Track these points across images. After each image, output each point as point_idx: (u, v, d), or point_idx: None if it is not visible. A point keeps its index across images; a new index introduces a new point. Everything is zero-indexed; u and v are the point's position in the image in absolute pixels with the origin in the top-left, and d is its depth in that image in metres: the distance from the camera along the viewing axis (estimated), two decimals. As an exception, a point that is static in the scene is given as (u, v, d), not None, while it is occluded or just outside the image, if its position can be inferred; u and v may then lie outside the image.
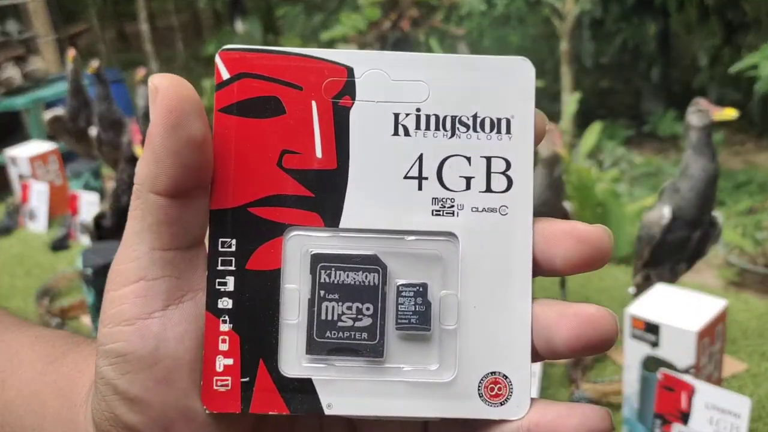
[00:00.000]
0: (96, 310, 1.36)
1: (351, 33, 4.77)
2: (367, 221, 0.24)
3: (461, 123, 0.25)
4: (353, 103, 0.24)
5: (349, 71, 0.24)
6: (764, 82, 3.11)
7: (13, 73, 3.25)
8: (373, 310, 0.24)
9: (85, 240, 1.86)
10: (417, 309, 0.24)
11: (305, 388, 0.24)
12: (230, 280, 0.24)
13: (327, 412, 0.24)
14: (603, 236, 0.24)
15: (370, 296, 0.24)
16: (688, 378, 0.91)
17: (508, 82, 0.25)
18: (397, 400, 0.24)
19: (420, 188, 0.25)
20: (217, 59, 0.24)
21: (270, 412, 0.24)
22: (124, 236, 0.24)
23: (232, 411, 0.24)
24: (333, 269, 0.24)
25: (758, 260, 2.91)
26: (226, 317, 0.24)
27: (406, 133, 0.25)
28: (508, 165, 0.25)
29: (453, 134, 0.25)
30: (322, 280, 0.24)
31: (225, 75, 0.24)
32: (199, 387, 0.24)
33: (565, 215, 1.25)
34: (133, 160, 1.44)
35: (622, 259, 1.98)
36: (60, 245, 1.88)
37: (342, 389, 0.24)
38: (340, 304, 0.24)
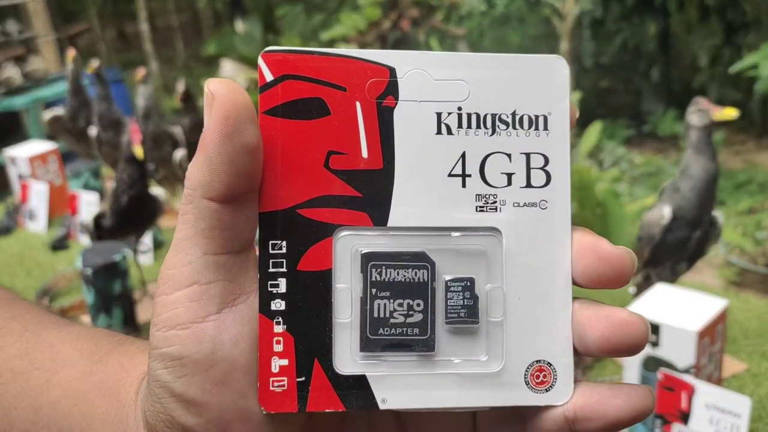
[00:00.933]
0: (96, 309, 1.36)
1: (351, 33, 4.76)
2: (414, 219, 0.25)
3: (501, 120, 0.25)
4: (397, 103, 0.25)
5: (392, 71, 0.25)
6: (764, 82, 3.11)
7: (12, 72, 3.24)
8: (423, 305, 0.25)
9: (84, 240, 1.86)
10: (465, 303, 0.25)
11: (360, 384, 0.24)
12: (282, 282, 0.24)
13: (382, 407, 0.24)
14: (626, 258, 0.25)
15: (420, 292, 0.25)
16: (688, 378, 0.91)
17: (544, 80, 0.26)
18: (449, 391, 0.25)
19: (464, 185, 0.25)
20: (260, 61, 0.24)
21: (326, 410, 0.24)
22: (175, 240, 0.24)
23: (289, 411, 0.24)
24: (383, 267, 0.25)
25: (758, 260, 2.91)
26: (280, 318, 0.24)
27: (449, 131, 0.25)
28: (546, 160, 0.25)
29: (494, 132, 0.25)
30: (373, 279, 0.25)
31: (269, 77, 0.24)
32: (255, 388, 0.24)
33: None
34: (132, 159, 1.44)
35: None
36: (60, 245, 1.88)
37: (395, 384, 0.24)
38: (391, 301, 0.25)
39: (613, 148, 4.30)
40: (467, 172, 0.25)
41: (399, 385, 0.25)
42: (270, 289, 0.24)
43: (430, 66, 0.25)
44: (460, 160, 0.25)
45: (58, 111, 2.13)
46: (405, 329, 0.25)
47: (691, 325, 0.94)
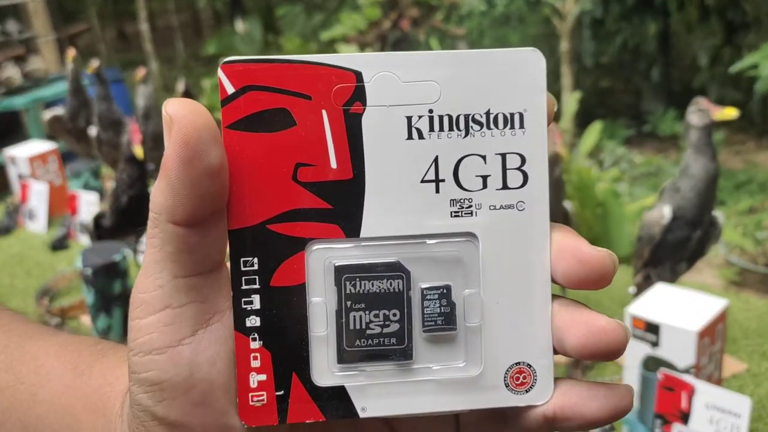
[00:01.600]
0: (95, 309, 1.36)
1: (351, 33, 4.76)
2: (387, 229, 0.24)
3: (474, 121, 0.24)
4: (365, 109, 0.24)
5: (358, 76, 0.24)
6: (764, 82, 3.11)
7: (12, 72, 3.24)
8: (399, 315, 0.24)
9: (84, 240, 1.86)
10: (442, 310, 0.24)
11: (339, 395, 0.24)
12: (256, 299, 0.24)
13: (362, 415, 0.24)
14: (606, 260, 0.25)
15: (396, 302, 0.24)
16: (688, 378, 0.91)
17: (519, 75, 0.24)
18: (428, 396, 0.25)
19: (437, 191, 0.24)
20: (220, 73, 0.24)
21: (307, 421, 0.25)
22: (144, 264, 0.24)
23: (270, 423, 0.24)
24: (357, 279, 0.24)
25: (758, 260, 2.91)
26: (256, 335, 0.24)
27: (420, 136, 0.24)
28: (523, 160, 0.25)
29: (467, 133, 0.24)
30: (347, 291, 0.24)
31: (230, 89, 0.23)
32: (235, 405, 0.24)
33: (565, 215, 1.25)
34: (132, 159, 1.44)
35: (622, 259, 1.98)
36: (59, 245, 1.88)
37: (375, 393, 0.24)
38: (367, 312, 0.24)
39: (613, 147, 4.30)
40: (441, 177, 0.24)
41: (378, 394, 0.25)
42: (244, 306, 0.24)
43: (398, 68, 0.24)
44: (433, 164, 0.24)
45: (58, 111, 2.13)
46: (382, 339, 0.24)
47: (691, 325, 0.94)
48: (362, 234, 0.24)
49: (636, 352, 0.99)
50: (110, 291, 1.36)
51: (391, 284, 0.24)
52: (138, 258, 1.57)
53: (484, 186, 0.24)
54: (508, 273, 0.25)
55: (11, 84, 3.25)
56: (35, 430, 0.29)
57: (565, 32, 4.45)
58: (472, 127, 0.24)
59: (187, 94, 1.72)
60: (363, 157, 0.24)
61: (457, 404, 0.25)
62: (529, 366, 0.25)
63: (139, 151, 1.43)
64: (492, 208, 0.25)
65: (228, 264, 0.25)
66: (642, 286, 1.23)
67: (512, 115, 0.24)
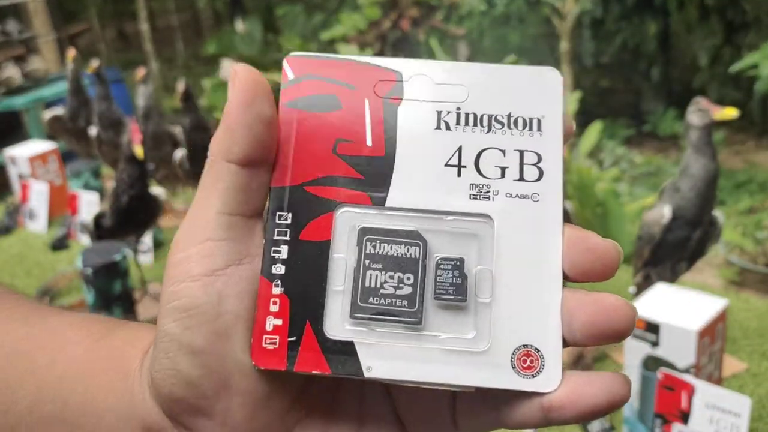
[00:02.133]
0: (96, 309, 1.36)
1: (351, 33, 4.76)
2: (410, 202, 0.26)
3: (497, 120, 0.27)
4: (401, 101, 0.27)
5: (398, 75, 0.27)
6: (764, 82, 3.11)
7: (13, 72, 3.24)
8: (413, 280, 0.26)
9: (84, 239, 1.86)
10: (454, 281, 0.26)
11: (347, 350, 0.25)
12: (284, 249, 0.26)
13: (366, 375, 0.25)
14: (612, 250, 0.26)
15: (411, 267, 0.26)
16: (688, 377, 0.91)
17: (538, 87, 0.27)
18: (434, 365, 0.25)
19: (459, 175, 0.27)
20: (285, 63, 0.28)
21: (313, 372, 0.25)
22: (194, 202, 0.26)
23: (277, 368, 0.25)
24: (378, 241, 0.26)
25: (758, 260, 2.91)
26: (279, 282, 0.26)
27: (447, 127, 0.27)
28: (540, 158, 0.27)
29: (489, 130, 0.27)
30: (367, 251, 0.26)
31: (291, 75, 0.27)
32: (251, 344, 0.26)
33: (565, 215, 1.25)
34: (133, 159, 1.44)
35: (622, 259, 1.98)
36: (60, 245, 1.88)
37: (381, 353, 0.25)
38: (383, 273, 0.26)
39: (613, 147, 4.30)
40: (463, 164, 0.27)
41: (385, 355, 0.25)
42: (272, 254, 0.26)
43: (432, 71, 0.27)
44: (457, 152, 0.27)
45: (58, 111, 2.13)
46: (394, 300, 0.26)
47: (691, 324, 0.94)
48: (387, 204, 0.26)
49: (636, 351, 0.99)
50: (110, 291, 1.36)
51: (408, 250, 0.26)
52: (138, 258, 1.57)
53: (502, 176, 0.27)
54: (521, 257, 0.26)
55: (11, 84, 3.24)
56: (51, 390, 0.29)
57: (565, 32, 4.45)
58: (494, 125, 0.27)
59: (187, 93, 1.71)
60: (395, 139, 0.27)
61: (463, 379, 0.25)
62: (537, 350, 0.25)
63: (139, 151, 1.42)
64: (508, 195, 0.26)
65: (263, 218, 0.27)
66: (642, 286, 1.23)
67: (531, 119, 0.27)
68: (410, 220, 0.26)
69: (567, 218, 1.39)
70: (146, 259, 1.71)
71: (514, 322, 0.25)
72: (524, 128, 0.27)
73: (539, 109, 0.27)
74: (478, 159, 0.27)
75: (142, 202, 1.48)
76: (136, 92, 1.94)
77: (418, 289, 0.26)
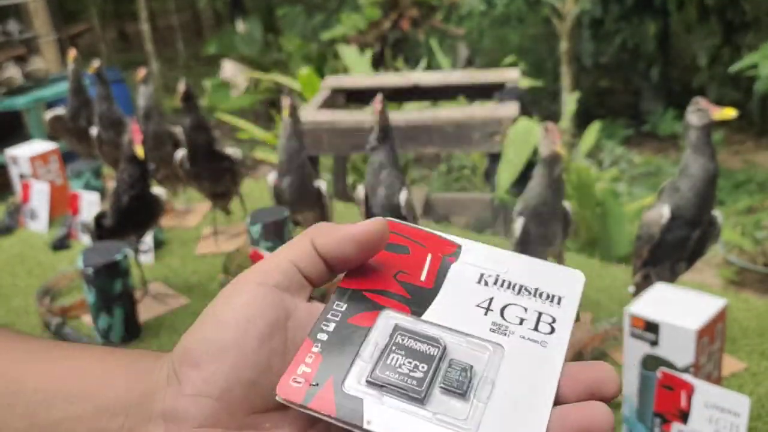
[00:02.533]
0: (96, 309, 1.36)
1: (351, 33, 4.77)
2: (441, 320, 0.32)
3: (526, 290, 0.34)
4: (455, 261, 0.35)
5: (459, 247, 0.35)
6: (764, 82, 3.12)
7: (14, 72, 3.25)
8: (427, 368, 0.31)
9: (85, 239, 1.86)
10: (459, 378, 0.31)
11: (355, 404, 0.30)
12: (332, 325, 0.32)
13: (366, 426, 0.29)
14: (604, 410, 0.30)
15: (428, 360, 0.31)
16: (687, 377, 0.91)
17: (563, 279, 0.34)
18: (426, 428, 0.29)
19: (486, 314, 0.33)
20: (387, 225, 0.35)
21: (321, 411, 0.30)
22: (276, 252, 0.34)
23: (294, 401, 0.30)
24: (407, 337, 0.32)
25: (758, 259, 2.91)
26: (319, 344, 0.32)
27: (486, 284, 0.34)
28: (554, 320, 0.33)
29: (518, 293, 0.34)
30: (396, 341, 0.32)
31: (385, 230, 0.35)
32: (263, 341, 0.31)
33: (564, 215, 1.26)
34: (133, 159, 1.44)
35: (621, 259, 1.98)
36: (61, 245, 1.88)
37: (383, 413, 0.30)
38: (403, 357, 0.31)
39: (613, 147, 4.30)
40: (491, 308, 0.33)
41: (386, 415, 0.30)
42: (321, 326, 0.32)
43: (487, 251, 0.35)
44: (488, 300, 0.33)
45: (59, 111, 2.13)
46: (406, 379, 0.30)
47: (690, 324, 0.94)
48: (423, 318, 0.33)
49: (635, 351, 0.99)
50: (111, 290, 1.36)
51: (429, 349, 0.31)
52: (139, 258, 1.57)
53: (521, 323, 0.33)
54: (521, 381, 0.31)
55: (12, 84, 3.25)
56: (62, 393, 0.32)
57: (565, 32, 4.45)
58: (522, 292, 0.34)
59: (187, 94, 1.72)
60: (443, 281, 0.34)
61: None
62: None
63: (140, 151, 1.43)
64: (522, 337, 0.32)
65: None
66: (641, 286, 1.23)
67: (553, 295, 0.34)
68: (438, 331, 0.32)
69: (566, 219, 1.37)
70: (147, 258, 1.71)
71: (501, 424, 0.29)
72: (546, 300, 0.34)
73: (561, 291, 0.34)
74: (503, 309, 0.33)
75: (143, 202, 1.48)
76: (136, 92, 1.94)
77: (429, 376, 0.31)
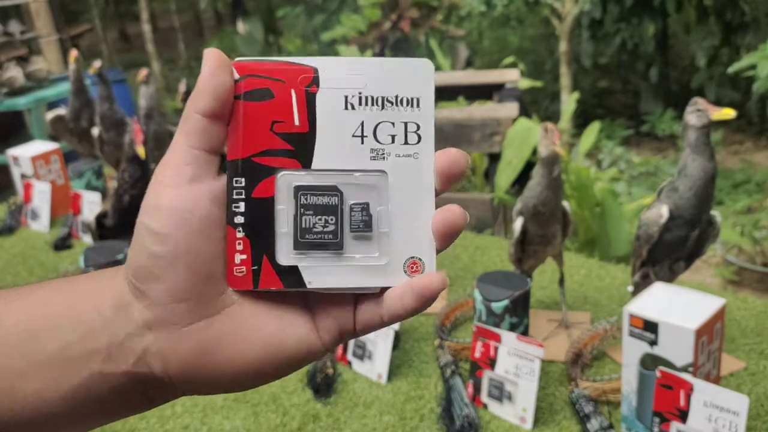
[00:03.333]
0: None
1: (351, 34, 4.77)
2: (329, 164, 0.36)
3: (388, 101, 0.37)
4: (318, 90, 0.36)
5: (315, 70, 0.36)
6: (762, 82, 3.12)
7: (15, 73, 3.25)
8: (335, 220, 0.36)
9: (87, 239, 1.87)
10: (363, 218, 0.36)
11: (293, 272, 0.36)
12: (242, 204, 0.35)
13: (309, 287, 0.36)
14: (459, 153, 0.37)
15: (333, 211, 0.36)
16: (686, 376, 0.91)
17: (415, 75, 0.37)
18: (353, 276, 0.36)
19: (362, 143, 0.36)
20: (233, 67, 0.36)
21: (271, 288, 0.36)
22: (172, 143, 0.35)
23: (246, 288, 0.35)
24: (308, 194, 0.36)
25: (756, 259, 2.92)
26: (240, 228, 0.35)
27: (353, 107, 0.36)
28: (418, 127, 0.37)
29: (383, 108, 0.36)
30: (301, 202, 0.36)
31: (236, 75, 0.36)
32: (208, 234, 0.35)
33: (564, 214, 1.26)
34: (135, 159, 1.45)
35: (620, 258, 1.99)
36: (62, 244, 1.88)
37: (317, 272, 0.36)
38: (313, 216, 0.36)
39: (612, 147, 4.31)
40: (365, 134, 0.36)
41: (320, 273, 0.36)
42: (233, 209, 0.35)
43: (340, 66, 0.36)
44: (360, 126, 0.36)
45: (61, 111, 2.14)
46: (323, 235, 0.36)
47: (689, 323, 0.95)
48: (313, 167, 0.36)
49: (634, 350, 1.00)
50: (113, 290, 1.37)
51: (330, 199, 0.36)
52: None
53: (393, 141, 0.36)
54: (406, 197, 0.36)
55: (14, 84, 3.25)
56: (32, 310, 0.36)
57: (564, 33, 4.45)
58: (386, 104, 0.37)
59: (188, 94, 1.72)
60: (315, 118, 0.36)
61: (372, 283, 0.36)
62: (420, 259, 0.36)
63: (141, 151, 1.43)
64: (397, 156, 0.36)
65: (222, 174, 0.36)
66: (640, 285, 1.24)
67: (411, 98, 0.37)
68: (330, 178, 0.36)
69: (565, 218, 1.38)
70: (148, 258, 1.71)
71: (404, 242, 0.36)
72: (408, 105, 0.37)
73: (417, 91, 0.37)
74: (375, 130, 0.36)
75: (145, 202, 1.49)
76: (138, 93, 1.95)
77: (339, 226, 0.36)
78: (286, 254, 0.36)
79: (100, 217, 1.50)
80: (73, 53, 2.05)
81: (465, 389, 1.14)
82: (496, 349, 1.10)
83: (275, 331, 0.36)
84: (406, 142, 0.36)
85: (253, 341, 0.36)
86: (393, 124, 0.36)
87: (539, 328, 1.32)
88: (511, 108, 2.59)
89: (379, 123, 0.36)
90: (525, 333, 1.19)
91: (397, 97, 0.37)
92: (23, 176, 2.10)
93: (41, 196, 2.03)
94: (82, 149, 2.15)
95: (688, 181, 1.15)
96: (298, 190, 0.36)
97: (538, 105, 5.21)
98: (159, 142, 1.91)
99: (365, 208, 0.36)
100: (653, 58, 4.97)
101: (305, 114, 0.36)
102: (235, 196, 0.35)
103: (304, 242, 0.36)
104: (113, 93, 1.99)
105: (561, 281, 1.34)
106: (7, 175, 2.22)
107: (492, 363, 1.11)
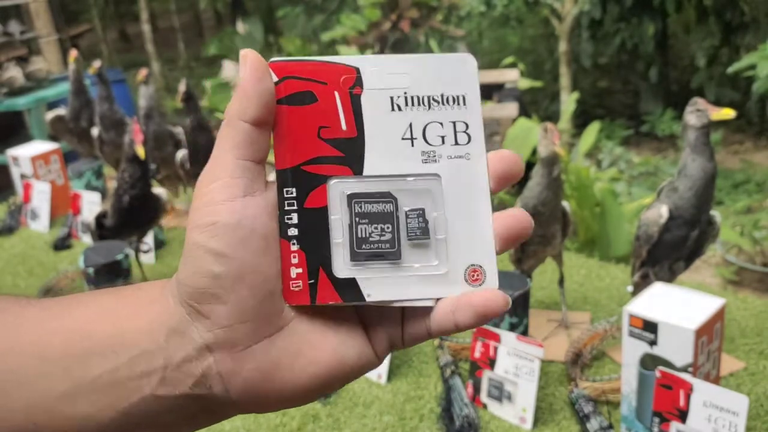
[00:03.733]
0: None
1: (351, 34, 4.77)
2: (380, 170, 0.35)
3: (434, 100, 0.36)
4: (362, 91, 0.35)
5: (357, 70, 0.35)
6: (762, 82, 3.12)
7: (15, 73, 3.25)
8: (391, 228, 0.35)
9: (86, 239, 1.87)
10: (419, 225, 0.34)
11: (351, 284, 0.34)
12: (294, 216, 0.34)
13: (367, 300, 0.34)
14: (516, 157, 0.35)
15: (388, 219, 0.35)
16: (686, 376, 0.91)
17: (459, 71, 0.36)
18: (413, 287, 0.34)
19: (412, 145, 0.35)
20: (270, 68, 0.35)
21: (329, 303, 0.34)
22: (213, 153, 0.34)
23: (304, 303, 0.34)
24: (362, 203, 0.35)
25: (756, 259, 2.92)
26: (294, 241, 0.34)
27: (399, 109, 0.35)
28: (467, 126, 0.36)
29: (429, 108, 0.35)
30: (355, 211, 0.34)
31: (275, 78, 0.35)
32: (266, 251, 0.34)
33: (564, 214, 1.26)
34: (134, 159, 1.45)
35: (620, 258, 1.99)
36: (62, 244, 1.88)
37: (376, 284, 0.34)
38: (369, 225, 0.34)
39: (612, 147, 4.31)
40: (414, 137, 0.35)
41: (378, 284, 0.34)
42: (286, 221, 0.34)
43: (382, 65, 0.35)
44: (409, 128, 0.35)
45: (61, 111, 2.14)
46: (380, 245, 0.34)
47: (688, 323, 0.95)
48: (364, 173, 0.35)
49: (634, 350, 1.00)
50: (113, 290, 1.37)
51: (384, 207, 0.35)
52: (140, 257, 1.58)
53: (443, 143, 0.35)
54: (462, 201, 0.35)
55: (14, 84, 3.25)
56: (81, 331, 0.34)
57: (564, 33, 4.45)
58: (432, 103, 0.36)
59: (188, 94, 1.72)
60: (363, 122, 0.35)
61: (433, 293, 0.35)
62: (480, 267, 0.35)
63: (141, 151, 1.43)
64: (449, 157, 0.35)
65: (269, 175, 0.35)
66: (640, 285, 1.24)
67: (457, 96, 0.36)
68: (382, 184, 0.35)
69: (565, 218, 1.38)
70: (148, 258, 1.72)
71: (463, 249, 0.35)
72: (454, 103, 0.36)
73: (462, 88, 0.36)
74: (424, 131, 0.35)
75: (144, 202, 1.49)
76: (137, 93, 1.95)
77: (395, 234, 0.35)
78: (342, 266, 0.34)
79: (100, 217, 1.50)
80: (73, 53, 2.05)
81: (465, 389, 1.14)
82: (495, 349, 1.10)
83: (335, 346, 0.35)
84: (456, 143, 0.35)
85: (314, 358, 0.34)
86: (441, 124, 0.35)
87: (539, 328, 1.32)
88: (511, 108, 2.60)
89: (428, 124, 0.35)
90: (525, 333, 1.19)
91: (443, 95, 0.35)
92: (23, 176, 2.10)
93: (41, 196, 2.03)
94: (81, 149, 2.15)
95: (687, 181, 1.15)
96: (352, 198, 0.34)
97: (537, 105, 5.21)
98: (159, 142, 1.91)
99: (421, 214, 0.35)
100: (653, 58, 4.97)
101: (352, 118, 0.35)
102: (287, 208, 0.34)
103: (360, 252, 0.34)
104: (113, 93, 1.99)
105: (561, 281, 1.34)
106: (7, 175, 2.22)
107: (492, 363, 1.11)
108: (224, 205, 0.33)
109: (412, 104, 0.35)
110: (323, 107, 0.35)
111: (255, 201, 0.33)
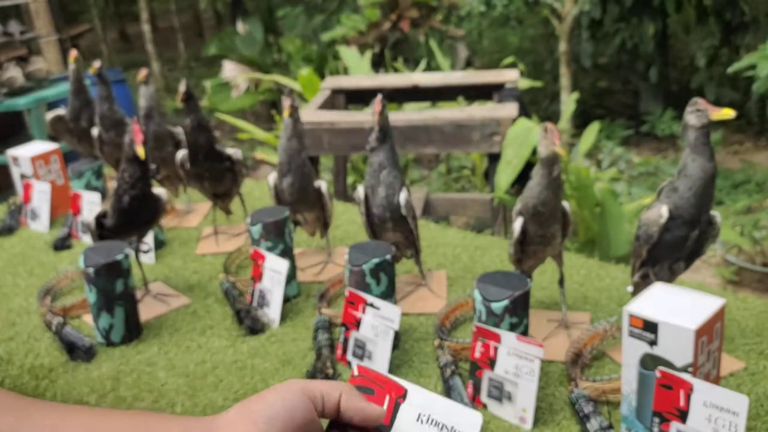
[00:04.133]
0: (97, 308, 1.37)
1: (351, 34, 4.77)
2: None
3: (445, 427, 0.55)
4: (404, 401, 0.55)
5: (406, 391, 0.56)
6: (762, 82, 3.12)
7: (15, 73, 3.25)
8: None
9: (86, 239, 1.87)
10: None
11: None
12: None
13: None
14: None
15: None
16: (686, 376, 0.91)
17: (468, 418, 0.57)
18: None
19: None
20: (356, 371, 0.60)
21: None
22: None
23: None
24: None
25: (756, 259, 2.92)
26: None
27: (421, 422, 0.54)
28: None
29: (441, 429, 0.55)
30: None
31: (356, 372, 0.58)
32: None
33: (564, 215, 1.26)
34: (134, 159, 1.45)
35: (620, 258, 1.99)
36: (62, 245, 1.88)
37: None
38: None
39: (612, 148, 4.31)
40: None
41: None
42: None
43: (421, 394, 0.57)
44: None
45: (61, 111, 2.13)
46: None
47: (688, 323, 0.95)
48: None
49: (634, 350, 1.00)
50: (112, 290, 1.36)
51: None
52: (140, 258, 1.58)
53: None
54: None
55: (14, 84, 3.25)
56: None
57: (564, 33, 4.45)
58: (443, 428, 0.55)
59: (188, 94, 1.72)
60: (395, 418, 0.55)
61: None
62: None
63: (141, 151, 1.43)
64: None
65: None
66: (640, 285, 1.24)
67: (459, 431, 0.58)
68: None
69: (565, 219, 1.38)
70: (148, 258, 1.72)
71: None
72: None
73: (465, 428, 0.55)
74: None
75: (144, 202, 1.49)
76: (137, 93, 1.95)
77: None
78: None
79: (100, 218, 1.50)
80: (73, 53, 2.05)
81: (465, 389, 1.14)
82: (495, 349, 1.10)
83: None
84: None
85: None
86: None
87: (539, 328, 1.32)
88: (511, 108, 2.59)
89: None
90: (525, 333, 1.19)
91: (453, 428, 0.54)
92: (23, 176, 2.10)
93: (41, 197, 2.03)
94: (81, 149, 2.15)
95: (687, 181, 1.15)
96: None
97: (537, 105, 5.22)
98: (159, 142, 1.91)
99: None
100: (653, 58, 4.97)
101: (391, 412, 0.54)
102: None
103: None
104: (113, 93, 1.99)
105: (561, 281, 1.34)
106: (7, 175, 2.22)
107: (492, 363, 1.11)
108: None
109: (430, 423, 0.54)
110: (376, 399, 0.55)
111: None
